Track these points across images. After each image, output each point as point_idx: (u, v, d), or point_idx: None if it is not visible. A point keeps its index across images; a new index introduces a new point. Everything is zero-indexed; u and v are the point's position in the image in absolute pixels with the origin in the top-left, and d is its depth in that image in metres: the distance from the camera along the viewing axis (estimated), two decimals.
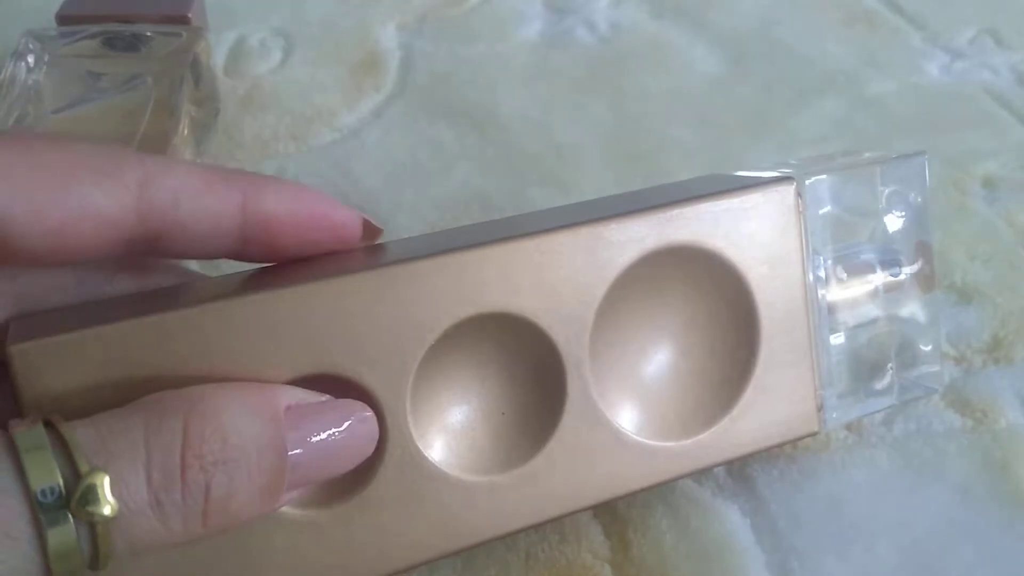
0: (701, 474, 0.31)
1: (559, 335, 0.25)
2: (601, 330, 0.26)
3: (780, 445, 0.28)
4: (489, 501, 0.25)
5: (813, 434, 0.29)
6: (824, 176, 0.29)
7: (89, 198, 0.21)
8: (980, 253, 0.39)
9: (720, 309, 0.28)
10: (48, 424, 0.19)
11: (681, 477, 0.27)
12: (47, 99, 0.38)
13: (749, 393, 0.28)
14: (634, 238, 0.26)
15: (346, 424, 0.22)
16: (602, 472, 0.26)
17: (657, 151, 0.44)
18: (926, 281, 0.31)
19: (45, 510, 0.18)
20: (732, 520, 0.30)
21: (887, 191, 0.31)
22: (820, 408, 0.29)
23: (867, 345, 0.31)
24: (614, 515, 0.30)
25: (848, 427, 0.32)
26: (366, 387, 0.23)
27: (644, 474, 0.27)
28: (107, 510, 0.18)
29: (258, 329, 0.22)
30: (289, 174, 0.42)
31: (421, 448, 0.24)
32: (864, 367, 0.31)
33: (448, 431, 0.25)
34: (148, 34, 0.41)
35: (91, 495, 0.18)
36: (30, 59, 0.39)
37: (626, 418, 0.27)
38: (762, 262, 0.27)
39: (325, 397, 0.23)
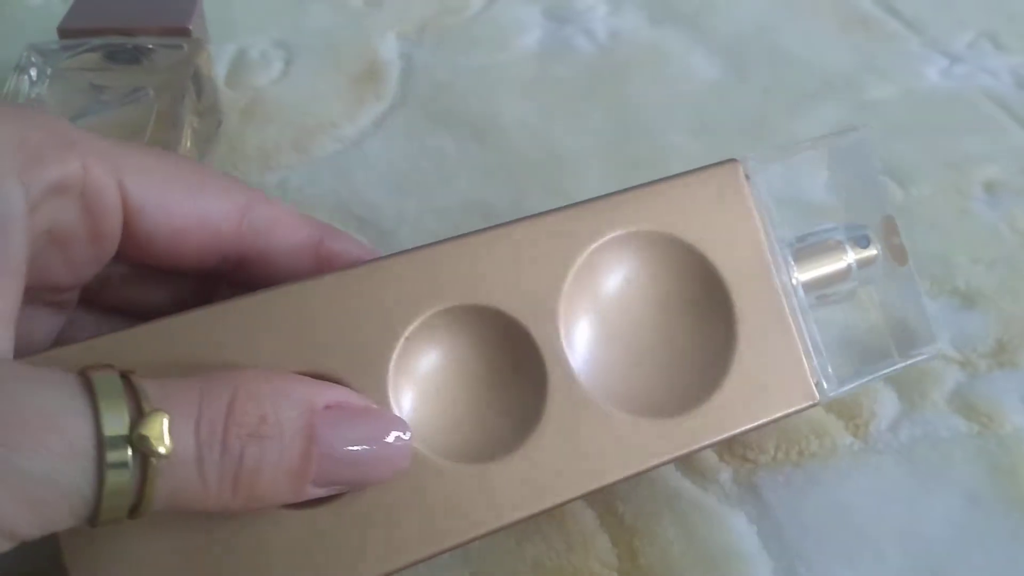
0: (705, 479, 0.31)
1: (530, 321, 0.26)
2: (577, 315, 0.27)
3: (780, 419, 0.28)
4: (485, 489, 0.25)
5: (812, 405, 0.28)
6: (765, 152, 0.30)
7: (207, 210, 0.24)
8: (983, 257, 0.39)
9: (689, 287, 0.28)
10: (120, 375, 0.21)
11: (680, 457, 0.27)
12: (50, 112, 0.38)
13: (736, 367, 0.28)
14: (589, 226, 0.27)
15: (383, 437, 0.23)
16: (598, 453, 0.26)
17: (657, 158, 0.44)
18: (899, 254, 0.31)
19: (110, 448, 0.19)
20: (739, 527, 0.30)
21: (838, 169, 0.32)
22: (816, 380, 0.29)
23: (855, 317, 0.32)
24: (621, 524, 0.30)
25: (854, 433, 0.32)
26: (346, 385, 0.24)
27: (641, 454, 0.27)
28: (162, 448, 0.20)
29: (238, 333, 0.24)
30: (292, 185, 0.42)
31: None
32: (856, 338, 0.31)
33: (435, 425, 0.26)
34: (149, 47, 0.41)
35: (152, 431, 0.19)
36: (33, 73, 0.40)
37: (615, 399, 0.27)
38: (720, 240, 0.28)
39: (370, 404, 0.24)
